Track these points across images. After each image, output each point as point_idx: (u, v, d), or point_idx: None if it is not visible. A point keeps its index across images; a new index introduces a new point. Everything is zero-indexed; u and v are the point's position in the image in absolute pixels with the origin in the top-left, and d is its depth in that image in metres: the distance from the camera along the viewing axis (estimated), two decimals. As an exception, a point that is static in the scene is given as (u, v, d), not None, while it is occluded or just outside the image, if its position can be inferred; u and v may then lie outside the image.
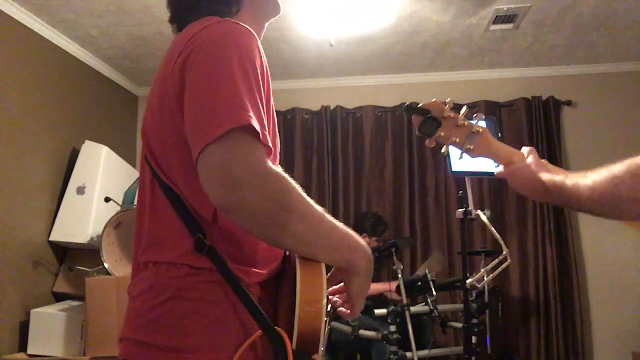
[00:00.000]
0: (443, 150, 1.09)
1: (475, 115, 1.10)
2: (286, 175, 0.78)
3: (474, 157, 1.10)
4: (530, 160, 1.08)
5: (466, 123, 1.07)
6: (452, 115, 1.06)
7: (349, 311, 0.92)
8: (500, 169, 1.12)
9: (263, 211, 0.75)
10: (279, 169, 0.78)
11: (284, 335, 0.79)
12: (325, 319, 0.82)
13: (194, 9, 0.96)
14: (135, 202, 1.27)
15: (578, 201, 0.91)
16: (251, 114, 0.77)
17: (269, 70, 0.89)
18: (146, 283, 0.86)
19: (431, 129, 1.05)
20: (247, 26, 0.87)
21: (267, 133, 0.79)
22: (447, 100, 1.06)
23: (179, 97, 0.83)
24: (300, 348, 0.79)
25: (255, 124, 0.76)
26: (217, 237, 0.84)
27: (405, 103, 1.00)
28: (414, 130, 4.32)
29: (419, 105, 1.05)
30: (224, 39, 0.83)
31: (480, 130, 1.08)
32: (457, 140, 1.07)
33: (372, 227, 3.56)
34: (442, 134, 1.06)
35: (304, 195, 0.80)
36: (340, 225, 0.86)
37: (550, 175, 1.00)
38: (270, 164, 0.77)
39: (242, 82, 0.79)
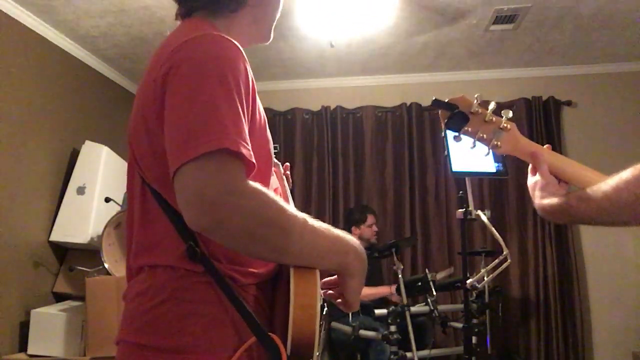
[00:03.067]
0: (471, 146, 1.04)
1: (502, 111, 1.05)
2: (263, 189, 0.77)
3: (500, 154, 1.06)
4: (532, 181, 1.03)
5: (494, 118, 1.03)
6: (480, 110, 1.03)
7: (345, 308, 0.93)
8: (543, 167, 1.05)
9: (241, 229, 0.75)
10: (254, 184, 0.77)
11: (278, 341, 0.79)
12: (321, 323, 0.82)
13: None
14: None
15: (589, 215, 0.88)
16: (230, 134, 0.76)
17: (254, 81, 0.87)
18: (142, 285, 0.85)
19: (458, 124, 1.01)
20: (231, 38, 0.85)
21: (249, 148, 0.78)
22: (476, 95, 1.03)
23: (159, 111, 0.82)
24: (295, 353, 0.79)
25: (233, 144, 0.75)
26: (210, 239, 0.83)
27: (434, 98, 0.99)
28: (414, 130, 4.29)
29: (447, 100, 1.02)
30: (206, 54, 0.81)
31: (509, 126, 1.04)
32: (484, 136, 1.03)
33: (358, 216, 3.69)
34: (469, 129, 1.02)
35: (285, 206, 0.79)
36: (328, 229, 0.86)
37: (551, 200, 0.96)
38: (246, 181, 0.76)
39: (223, 99, 0.77)
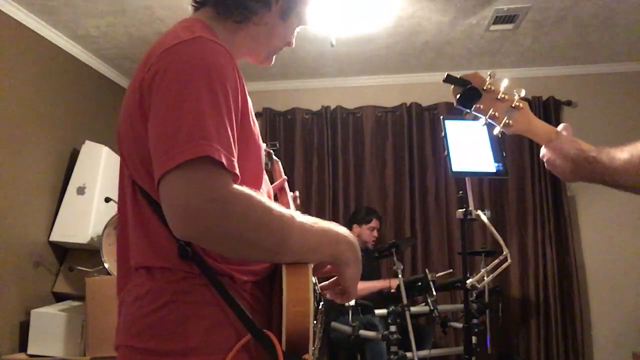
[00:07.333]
0: (481, 122, 1.04)
1: (515, 89, 1.04)
2: (248, 192, 0.77)
3: (511, 133, 1.05)
4: (562, 135, 1.03)
5: (506, 96, 1.03)
6: (493, 87, 1.02)
7: (344, 298, 0.94)
8: (543, 150, 1.08)
9: (227, 236, 0.75)
10: (240, 187, 0.76)
11: (273, 337, 0.80)
12: (317, 317, 0.83)
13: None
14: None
15: (612, 174, 0.89)
16: (213, 142, 0.75)
17: (245, 87, 0.87)
18: (142, 288, 0.85)
19: (470, 100, 1.01)
20: (221, 44, 0.84)
21: (233, 158, 0.77)
22: (489, 72, 1.03)
23: (145, 115, 0.81)
24: (290, 349, 0.80)
25: (216, 153, 0.74)
26: None
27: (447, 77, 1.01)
28: (414, 130, 4.28)
29: (459, 77, 1.02)
30: (193, 59, 0.79)
31: (521, 105, 1.03)
32: (496, 114, 1.02)
33: (363, 216, 3.69)
34: (481, 106, 1.02)
35: (271, 206, 0.79)
36: (316, 222, 0.86)
37: (581, 150, 0.97)
38: (229, 186, 0.75)
39: (208, 106, 0.76)
